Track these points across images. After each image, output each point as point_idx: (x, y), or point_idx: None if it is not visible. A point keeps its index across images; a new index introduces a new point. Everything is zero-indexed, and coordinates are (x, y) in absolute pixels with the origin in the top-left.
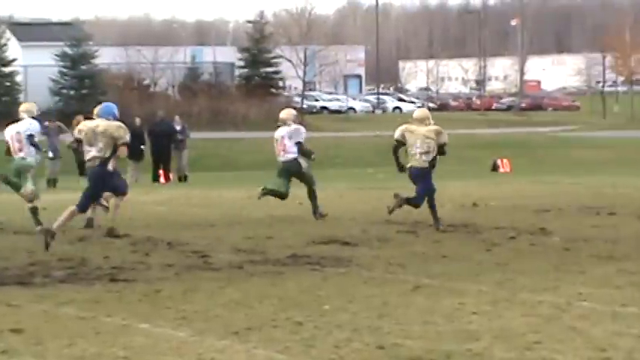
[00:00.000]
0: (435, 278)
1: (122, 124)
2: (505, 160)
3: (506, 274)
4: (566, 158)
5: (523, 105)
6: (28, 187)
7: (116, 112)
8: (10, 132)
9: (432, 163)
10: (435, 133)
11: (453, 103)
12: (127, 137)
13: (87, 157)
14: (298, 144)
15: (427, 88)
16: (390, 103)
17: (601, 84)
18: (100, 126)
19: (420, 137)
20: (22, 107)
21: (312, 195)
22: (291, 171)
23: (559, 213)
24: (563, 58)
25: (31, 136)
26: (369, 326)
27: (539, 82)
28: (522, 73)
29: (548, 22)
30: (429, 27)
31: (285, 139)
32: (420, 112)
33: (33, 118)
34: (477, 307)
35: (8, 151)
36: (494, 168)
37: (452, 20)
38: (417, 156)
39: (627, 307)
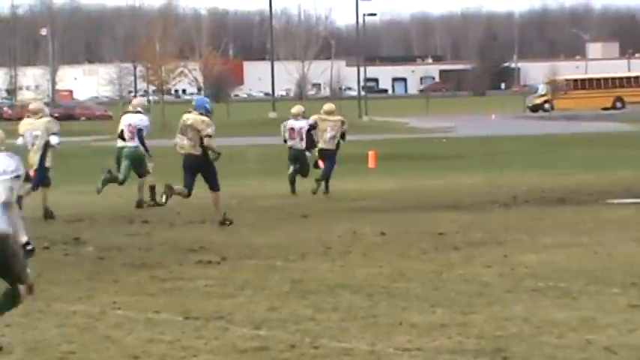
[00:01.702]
0: None
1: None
2: None
3: (40, 284)
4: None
5: (56, 115)
6: (150, 166)
7: (207, 105)
8: (125, 121)
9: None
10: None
11: None
12: (209, 130)
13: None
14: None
15: None
16: None
17: (133, 93)
18: (189, 119)
19: None
20: (136, 101)
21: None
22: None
23: (93, 222)
24: (95, 67)
25: (140, 131)
26: None
27: (71, 92)
28: (54, 82)
29: (78, 31)
30: None
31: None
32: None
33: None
34: (11, 319)
35: (122, 136)
36: None
37: None
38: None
39: (160, 314)
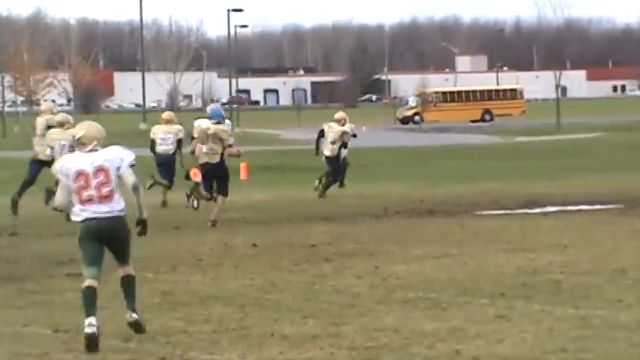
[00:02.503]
0: None
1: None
2: None
3: None
4: None
5: None
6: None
7: (223, 113)
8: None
9: None
10: None
11: None
12: (231, 140)
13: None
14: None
15: None
16: None
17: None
18: (210, 128)
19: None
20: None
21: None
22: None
23: None
24: None
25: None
26: None
27: None
28: None
29: None
30: None
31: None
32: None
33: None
34: None
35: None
36: None
37: None
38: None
39: (28, 327)
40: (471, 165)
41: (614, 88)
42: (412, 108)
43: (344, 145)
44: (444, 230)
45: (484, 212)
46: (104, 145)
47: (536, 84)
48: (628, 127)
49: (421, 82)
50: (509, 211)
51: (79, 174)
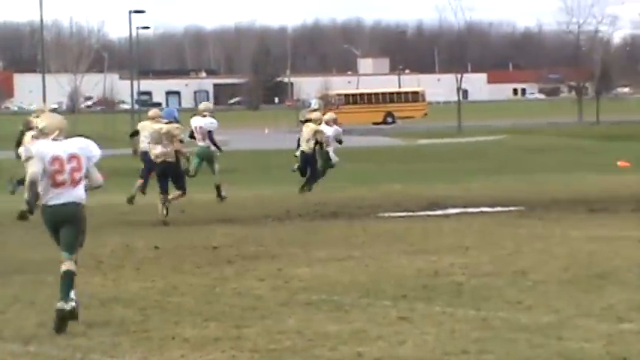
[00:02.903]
0: None
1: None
2: None
3: None
4: None
5: None
6: (216, 167)
7: (176, 114)
8: (195, 123)
9: None
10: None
11: None
12: (183, 136)
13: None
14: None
15: None
16: None
17: None
18: (163, 128)
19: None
20: (202, 106)
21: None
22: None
23: None
24: None
25: (210, 132)
26: None
27: None
28: None
29: None
30: None
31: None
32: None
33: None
34: None
35: (192, 135)
36: None
37: None
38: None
39: None
40: (373, 167)
41: (515, 92)
42: (315, 110)
43: (318, 143)
44: (347, 233)
45: (386, 214)
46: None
47: (437, 87)
48: (528, 130)
49: (324, 84)
50: (411, 214)
51: (55, 159)
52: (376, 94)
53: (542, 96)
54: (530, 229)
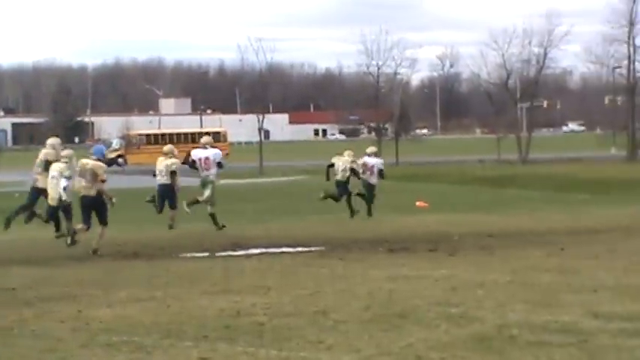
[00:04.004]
0: None
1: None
2: None
3: None
4: None
5: None
6: (206, 193)
7: (103, 151)
8: (200, 155)
9: None
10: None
11: None
12: (105, 176)
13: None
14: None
15: None
16: None
17: None
18: (89, 163)
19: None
20: (204, 140)
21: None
22: None
23: None
24: None
25: (219, 163)
26: None
27: None
28: None
29: None
30: None
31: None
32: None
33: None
34: None
35: (194, 165)
36: None
37: None
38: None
39: None
40: None
41: (316, 132)
42: (116, 150)
43: (354, 172)
44: (149, 273)
45: (189, 254)
46: None
47: (239, 127)
48: None
49: (125, 124)
50: (213, 254)
51: None
52: (178, 134)
53: (342, 137)
54: (332, 269)
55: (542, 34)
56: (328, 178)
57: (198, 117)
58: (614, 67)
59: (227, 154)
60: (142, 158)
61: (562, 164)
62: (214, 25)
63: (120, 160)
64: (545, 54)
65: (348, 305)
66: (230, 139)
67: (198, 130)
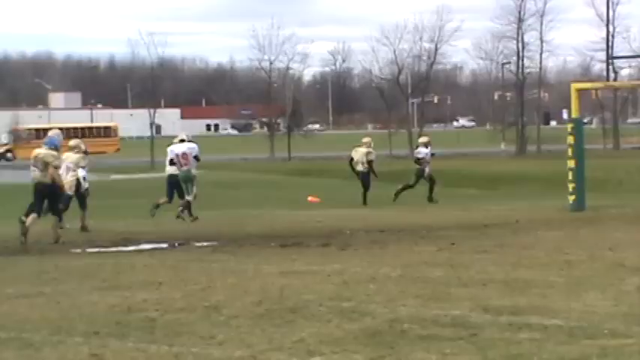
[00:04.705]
0: None
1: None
2: None
3: None
4: None
5: None
6: (194, 189)
7: (56, 142)
8: (176, 150)
9: None
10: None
11: None
12: (57, 162)
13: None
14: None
15: None
16: None
17: None
18: (41, 153)
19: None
20: (181, 136)
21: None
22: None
23: None
24: None
25: (196, 156)
26: None
27: None
28: None
29: None
30: None
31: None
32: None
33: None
34: None
35: (172, 162)
36: None
37: None
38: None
39: None
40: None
41: (208, 127)
42: (4, 145)
43: (370, 165)
44: (38, 269)
45: (79, 250)
46: None
47: (130, 122)
48: (221, 165)
49: (13, 118)
50: (104, 249)
51: None
52: (68, 128)
53: (234, 132)
54: (224, 264)
55: (433, 29)
56: (357, 173)
57: (88, 111)
58: (504, 63)
59: (118, 149)
60: (32, 153)
61: (452, 160)
62: (105, 18)
63: (8, 154)
64: (436, 49)
65: (240, 300)
66: (121, 133)
67: (88, 124)
